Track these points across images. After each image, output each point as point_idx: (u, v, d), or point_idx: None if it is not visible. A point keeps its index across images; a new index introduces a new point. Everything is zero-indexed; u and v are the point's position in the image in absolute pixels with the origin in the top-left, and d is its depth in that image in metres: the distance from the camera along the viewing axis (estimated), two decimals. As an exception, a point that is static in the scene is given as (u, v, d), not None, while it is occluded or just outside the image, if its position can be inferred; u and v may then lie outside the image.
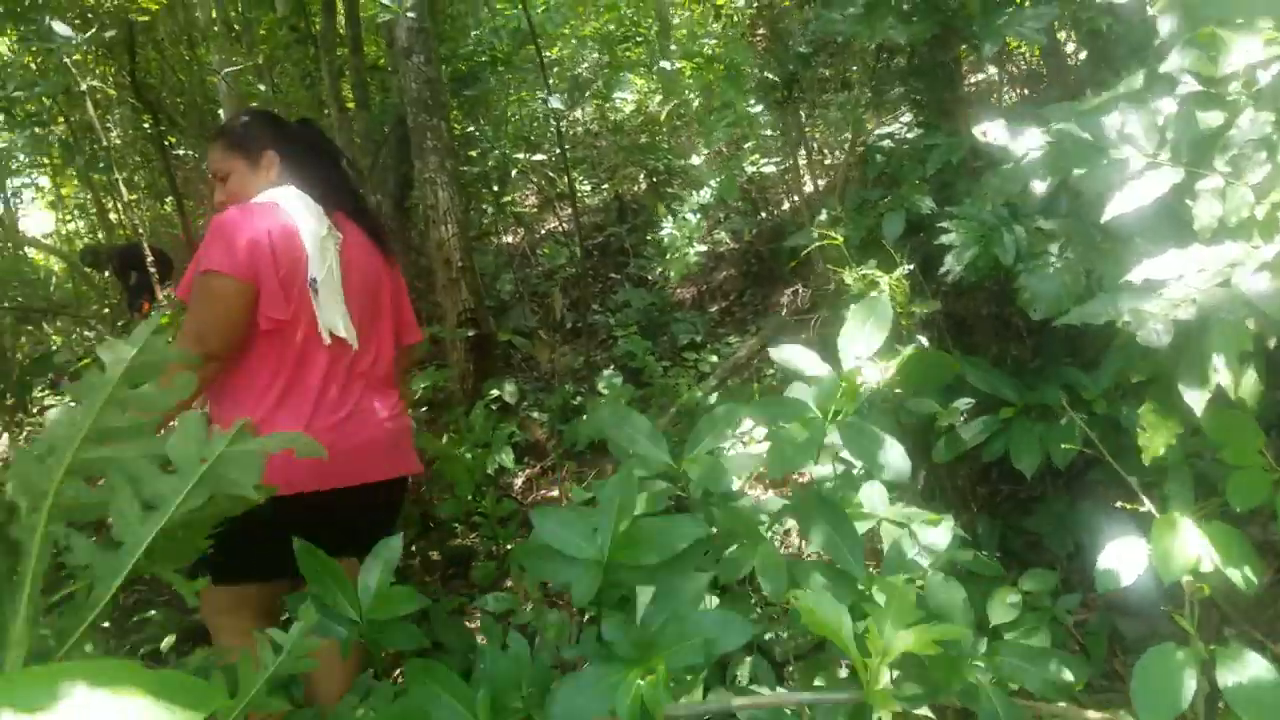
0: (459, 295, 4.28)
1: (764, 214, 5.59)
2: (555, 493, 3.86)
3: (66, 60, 4.95)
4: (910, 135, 2.63)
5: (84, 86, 5.64)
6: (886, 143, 2.63)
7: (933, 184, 2.54)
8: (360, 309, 2.20)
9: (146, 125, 8.54)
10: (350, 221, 2.24)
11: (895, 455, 1.65)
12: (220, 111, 10.26)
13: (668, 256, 3.19)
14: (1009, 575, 2.28)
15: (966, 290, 2.76)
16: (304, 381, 2.10)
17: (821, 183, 4.20)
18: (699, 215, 3.18)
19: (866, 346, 1.76)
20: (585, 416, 3.34)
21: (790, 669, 2.18)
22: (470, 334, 4.20)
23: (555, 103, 4.53)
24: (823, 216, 2.61)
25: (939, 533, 1.88)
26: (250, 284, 2.01)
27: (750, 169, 4.17)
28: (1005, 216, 2.28)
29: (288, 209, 2.11)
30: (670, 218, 3.23)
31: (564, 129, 5.31)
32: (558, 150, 5.89)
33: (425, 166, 4.30)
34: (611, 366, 4.13)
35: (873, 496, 2.01)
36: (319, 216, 2.15)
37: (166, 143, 9.35)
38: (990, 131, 1.92)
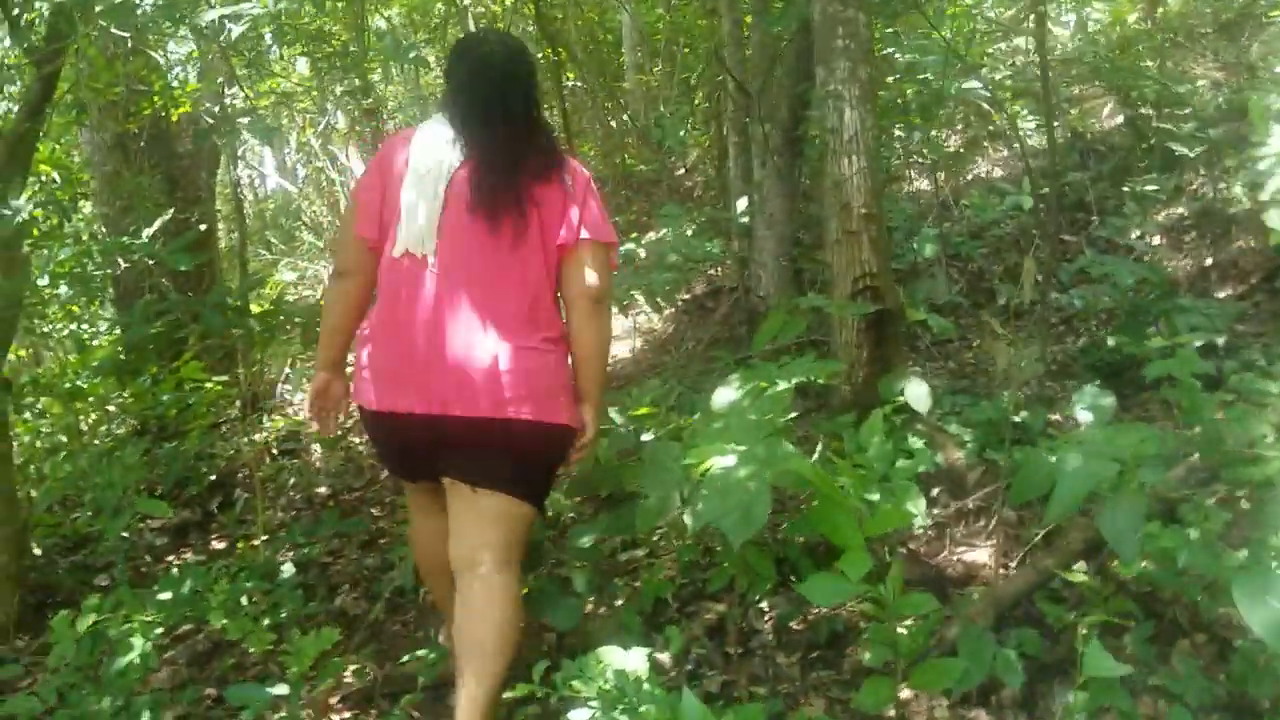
0: (857, 254, 3.09)
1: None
2: (980, 556, 2.59)
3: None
4: None
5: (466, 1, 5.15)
6: None
7: None
8: (476, 232, 2.06)
9: (543, 57, 8.24)
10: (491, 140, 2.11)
11: None
12: (623, 49, 9.84)
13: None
14: None
15: None
16: (387, 301, 2.11)
17: None
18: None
19: None
20: (1053, 457, 2.03)
21: None
22: (869, 310, 3.01)
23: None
24: None
25: None
26: (354, 203, 2.19)
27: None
28: None
29: (421, 130, 2.14)
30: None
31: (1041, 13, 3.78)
32: (1025, 59, 4.45)
33: (830, 76, 3.13)
34: (1094, 378, 2.74)
35: None
36: (447, 140, 2.11)
37: (565, 78, 9.05)
38: None
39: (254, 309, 7.03)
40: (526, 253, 2.07)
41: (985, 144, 6.11)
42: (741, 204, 5.01)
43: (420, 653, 2.49)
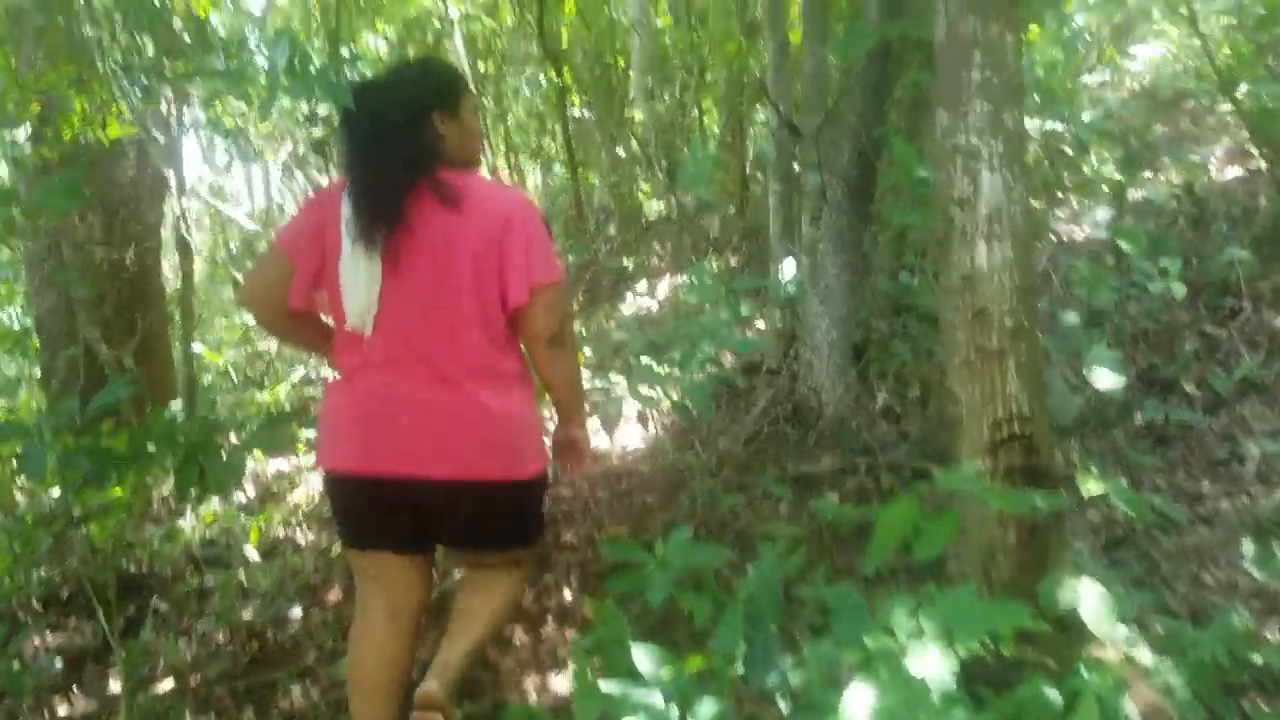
0: (999, 385, 2.08)
1: None
2: None
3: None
4: None
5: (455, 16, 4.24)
6: None
7: None
8: (416, 287, 2.00)
9: (548, 80, 7.32)
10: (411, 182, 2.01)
11: None
12: (630, 71, 8.88)
13: None
14: None
15: None
16: (348, 367, 2.09)
17: None
18: None
19: None
20: None
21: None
22: (1037, 507, 1.99)
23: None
24: None
25: None
26: (286, 261, 2.05)
27: None
28: None
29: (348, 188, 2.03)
30: None
31: None
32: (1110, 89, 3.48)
33: (959, 122, 2.14)
34: None
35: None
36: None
37: (570, 103, 8.15)
38: None
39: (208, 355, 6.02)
40: (463, 300, 2.01)
41: (1067, 196, 5.13)
42: (786, 268, 4.03)
43: None
